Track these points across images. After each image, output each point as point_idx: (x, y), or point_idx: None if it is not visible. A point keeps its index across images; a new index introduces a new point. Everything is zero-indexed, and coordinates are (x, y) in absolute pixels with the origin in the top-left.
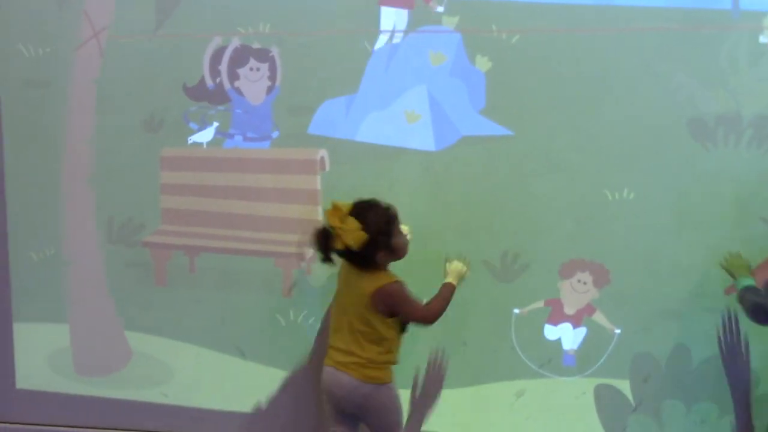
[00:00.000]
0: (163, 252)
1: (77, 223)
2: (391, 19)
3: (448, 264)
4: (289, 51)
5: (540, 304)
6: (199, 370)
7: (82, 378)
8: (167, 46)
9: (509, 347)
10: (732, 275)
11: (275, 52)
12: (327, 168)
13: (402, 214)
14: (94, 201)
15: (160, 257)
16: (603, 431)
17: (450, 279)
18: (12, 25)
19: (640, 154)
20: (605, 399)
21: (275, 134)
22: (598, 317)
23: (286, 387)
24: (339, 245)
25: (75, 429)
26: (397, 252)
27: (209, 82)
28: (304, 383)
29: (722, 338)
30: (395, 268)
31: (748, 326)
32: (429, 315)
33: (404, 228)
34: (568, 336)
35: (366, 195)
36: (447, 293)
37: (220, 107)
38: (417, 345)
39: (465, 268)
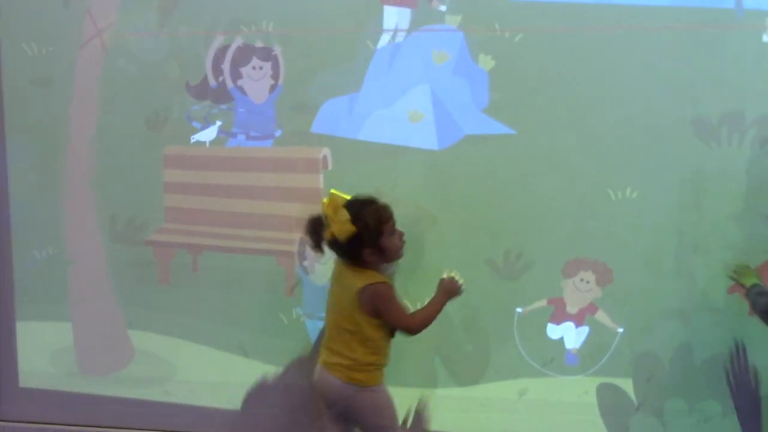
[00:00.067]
0: (165, 250)
1: (80, 222)
2: (394, 17)
3: (445, 275)
4: (292, 50)
5: (543, 303)
6: (201, 369)
7: (85, 376)
8: (170, 45)
9: (512, 346)
10: (741, 284)
11: (278, 50)
12: (330, 167)
13: (405, 213)
14: (97, 199)
15: (163, 256)
16: (606, 430)
17: (440, 294)
18: (16, 24)
19: (643, 153)
20: (608, 398)
21: (278, 133)
22: (601, 316)
23: (289, 385)
24: (327, 234)
25: (78, 427)
26: (386, 253)
27: (212, 81)
28: (306, 382)
29: (730, 369)
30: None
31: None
32: (412, 324)
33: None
34: (570, 335)
35: (369, 194)
36: (434, 307)
37: (223, 106)
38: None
39: (458, 287)
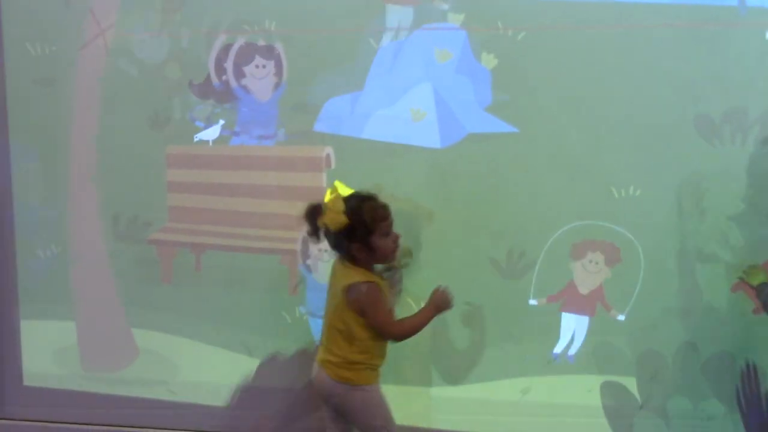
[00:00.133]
0: (169, 249)
1: (83, 221)
2: (397, 16)
3: (438, 290)
4: (294, 49)
5: (554, 292)
6: (205, 367)
7: (88, 375)
8: (173, 44)
9: (515, 344)
10: (747, 282)
11: (280, 48)
12: (333, 165)
13: (403, 210)
14: (101, 198)
15: (166, 255)
16: (609, 429)
17: (430, 305)
18: (19, 24)
19: (646, 151)
20: (612, 397)
21: (281, 132)
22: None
23: (291, 384)
24: (321, 222)
25: (82, 426)
26: (376, 252)
27: (215, 81)
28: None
29: (741, 390)
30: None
31: None
32: (396, 331)
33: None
34: (579, 331)
35: (371, 192)
36: (422, 317)
37: (227, 105)
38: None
39: (449, 300)
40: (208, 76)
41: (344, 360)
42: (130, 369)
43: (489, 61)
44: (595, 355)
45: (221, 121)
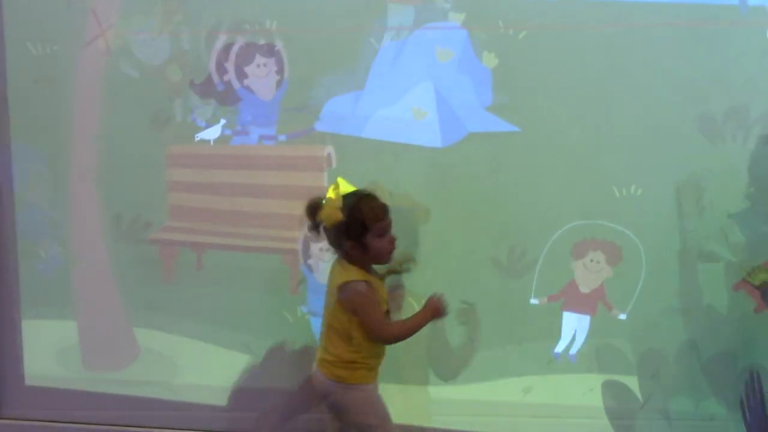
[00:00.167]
0: (170, 249)
1: (85, 221)
2: (398, 15)
3: (433, 297)
4: (295, 48)
5: (555, 291)
6: (206, 367)
7: (90, 375)
8: (173, 46)
9: (516, 344)
10: (749, 281)
11: (280, 45)
12: (334, 165)
13: (400, 206)
14: (102, 198)
15: (168, 254)
16: (611, 428)
17: (424, 312)
18: (20, 24)
19: (647, 150)
20: (613, 396)
21: (282, 131)
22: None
23: (293, 384)
24: (318, 216)
25: (83, 425)
26: (369, 252)
27: (217, 81)
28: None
29: (744, 401)
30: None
31: None
32: (386, 333)
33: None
34: (582, 329)
35: (372, 191)
36: (415, 323)
37: (230, 106)
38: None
39: (444, 308)
40: (209, 75)
41: (339, 359)
42: (131, 369)
43: (490, 60)
44: (597, 354)
45: (222, 121)
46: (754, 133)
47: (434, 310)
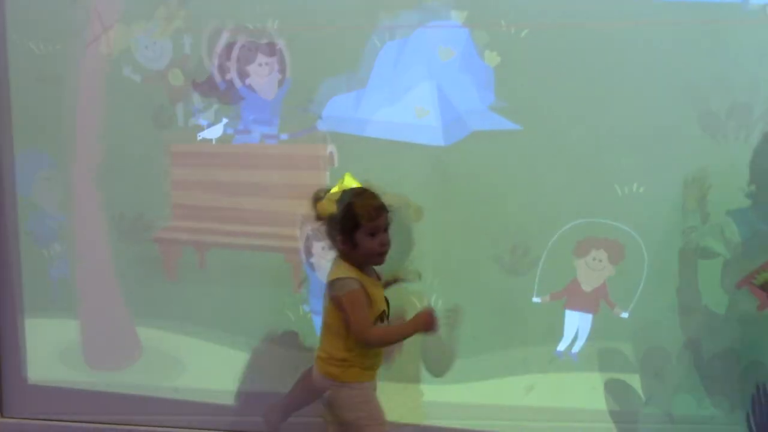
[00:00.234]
0: (173, 247)
1: (88, 220)
2: (400, 14)
3: (424, 312)
4: (297, 47)
5: (558, 289)
6: (209, 365)
7: (92, 373)
8: (176, 42)
9: (519, 342)
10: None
11: (282, 44)
12: (336, 164)
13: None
14: (105, 197)
15: (170, 253)
16: (613, 426)
17: (411, 323)
18: (23, 23)
19: (649, 148)
20: (615, 393)
21: (284, 130)
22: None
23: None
24: (316, 206)
25: (86, 424)
26: (359, 250)
27: (219, 80)
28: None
29: (752, 415)
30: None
31: None
32: (367, 334)
33: None
34: (584, 327)
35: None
36: (399, 332)
37: (232, 105)
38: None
39: (434, 322)
40: (212, 74)
41: (330, 356)
42: (133, 367)
43: (492, 58)
44: (599, 352)
45: (224, 120)
46: (757, 130)
47: (424, 324)
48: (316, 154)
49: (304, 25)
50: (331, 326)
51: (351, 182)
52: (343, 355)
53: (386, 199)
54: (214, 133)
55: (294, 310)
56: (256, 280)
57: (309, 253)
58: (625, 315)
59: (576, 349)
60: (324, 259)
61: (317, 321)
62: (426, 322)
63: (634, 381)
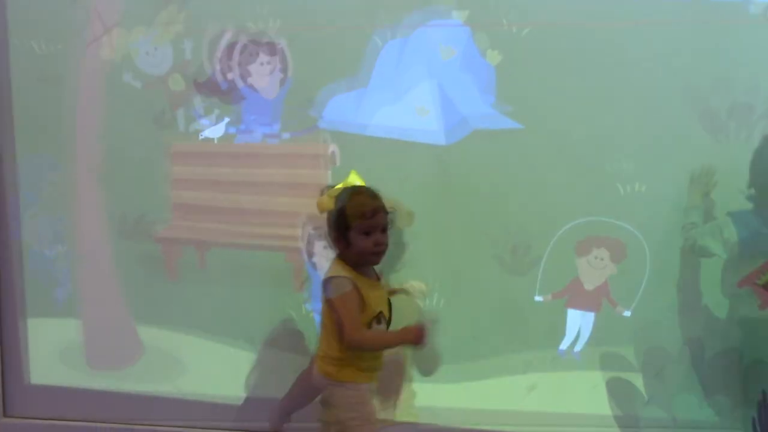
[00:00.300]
0: (173, 247)
1: (89, 219)
2: (401, 13)
3: (416, 326)
4: (298, 46)
5: (560, 288)
6: (210, 364)
7: (94, 372)
8: (176, 47)
9: (521, 341)
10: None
11: (283, 43)
12: (338, 163)
13: (412, 208)
14: (106, 197)
15: (171, 252)
16: (615, 425)
17: (400, 333)
18: (24, 23)
19: (651, 147)
20: (617, 392)
21: (286, 130)
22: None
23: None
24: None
25: (88, 423)
26: (352, 249)
27: (220, 79)
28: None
29: (758, 422)
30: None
31: None
32: (354, 336)
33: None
34: (585, 327)
35: (376, 190)
36: (386, 339)
37: (233, 104)
38: None
39: (422, 337)
40: (213, 73)
41: (327, 355)
42: (135, 366)
43: (493, 57)
44: (601, 351)
45: (226, 119)
46: (758, 130)
47: (414, 338)
48: (317, 153)
49: (305, 25)
50: (327, 325)
51: (356, 180)
52: (339, 354)
53: (386, 200)
54: (215, 132)
55: (296, 310)
56: (258, 279)
57: (311, 252)
58: (627, 313)
59: (578, 347)
60: (325, 258)
61: (319, 321)
62: (415, 336)
63: (637, 379)
